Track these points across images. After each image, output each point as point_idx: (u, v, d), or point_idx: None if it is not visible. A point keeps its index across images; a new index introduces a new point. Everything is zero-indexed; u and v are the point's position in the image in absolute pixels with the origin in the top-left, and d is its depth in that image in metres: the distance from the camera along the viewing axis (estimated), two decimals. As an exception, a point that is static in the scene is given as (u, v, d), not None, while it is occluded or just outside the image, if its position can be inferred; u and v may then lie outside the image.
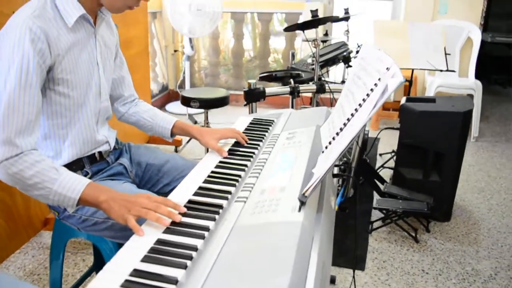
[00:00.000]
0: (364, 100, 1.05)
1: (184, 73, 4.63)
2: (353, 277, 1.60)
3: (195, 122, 3.95)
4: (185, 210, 0.98)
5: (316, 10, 2.08)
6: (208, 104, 2.79)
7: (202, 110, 3.62)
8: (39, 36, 1.07)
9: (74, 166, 1.27)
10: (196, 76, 5.06)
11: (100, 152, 1.35)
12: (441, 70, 2.76)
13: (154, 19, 4.53)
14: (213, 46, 4.95)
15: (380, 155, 3.46)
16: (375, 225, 2.39)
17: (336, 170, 1.29)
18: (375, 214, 2.48)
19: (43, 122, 1.21)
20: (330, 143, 1.12)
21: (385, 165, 3.11)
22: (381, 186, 2.50)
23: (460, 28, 4.02)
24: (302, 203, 0.90)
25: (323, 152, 1.14)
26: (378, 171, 2.86)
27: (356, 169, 2.31)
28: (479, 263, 2.10)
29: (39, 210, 2.15)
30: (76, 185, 1.06)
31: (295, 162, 1.16)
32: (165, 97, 4.86)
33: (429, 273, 2.02)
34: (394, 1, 4.31)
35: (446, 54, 2.82)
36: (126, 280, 0.76)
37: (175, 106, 4.58)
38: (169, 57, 4.85)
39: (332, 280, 1.93)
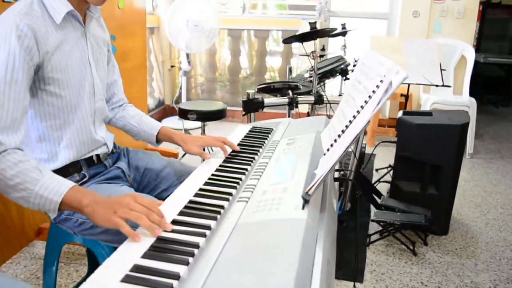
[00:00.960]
0: (366, 102, 1.05)
1: (180, 88, 4.65)
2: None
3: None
4: (170, 229, 0.89)
5: (315, 22, 2.11)
6: (206, 116, 2.80)
7: (199, 125, 3.62)
8: (26, 33, 1.06)
9: (71, 168, 1.26)
10: (192, 92, 5.08)
11: (97, 155, 1.33)
12: (437, 85, 2.79)
13: (152, 35, 4.56)
14: (210, 62, 4.99)
15: (377, 170, 3.46)
16: (373, 238, 2.37)
17: (336, 175, 1.29)
18: (373, 228, 2.46)
19: (37, 124, 1.19)
20: (332, 145, 1.12)
21: (381, 180, 3.11)
22: (378, 200, 2.49)
23: (454, 46, 4.09)
24: (306, 201, 0.89)
25: (324, 154, 1.13)
26: (374, 185, 2.85)
27: (354, 182, 2.31)
28: (478, 276, 2.09)
29: (33, 219, 2.11)
30: (59, 187, 1.01)
31: (296, 165, 1.15)
32: (162, 112, 4.85)
33: (428, 286, 1.99)
34: (389, 19, 4.38)
35: (441, 69, 2.86)
36: (127, 275, 0.74)
37: (172, 121, 4.58)
38: (166, 73, 4.86)
39: (331, 292, 1.90)
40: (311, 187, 0.91)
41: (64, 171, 1.23)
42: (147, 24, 3.86)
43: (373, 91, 1.03)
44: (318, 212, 0.94)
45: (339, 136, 1.10)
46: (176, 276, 0.73)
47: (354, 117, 1.07)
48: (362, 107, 1.06)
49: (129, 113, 1.52)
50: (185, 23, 4.03)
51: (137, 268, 0.76)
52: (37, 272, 1.96)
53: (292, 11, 4.66)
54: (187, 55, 4.40)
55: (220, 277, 0.71)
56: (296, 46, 4.70)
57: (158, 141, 1.51)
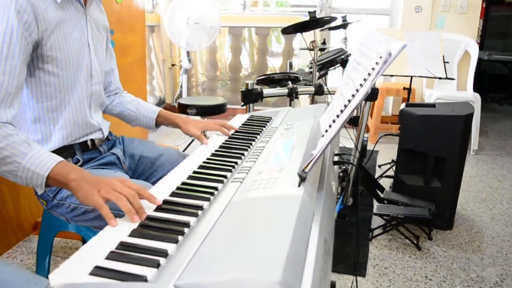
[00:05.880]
0: (365, 80, 1.01)
1: (181, 87, 4.62)
2: (355, 282, 1.53)
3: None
4: (160, 203, 0.88)
5: (314, 11, 2.07)
6: (205, 111, 2.76)
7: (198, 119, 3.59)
8: (26, 8, 1.04)
9: (65, 152, 1.22)
10: (193, 90, 5.05)
11: (92, 140, 1.30)
12: (440, 78, 2.75)
13: (152, 33, 4.54)
14: (210, 60, 4.96)
15: (379, 166, 3.41)
16: (376, 232, 2.32)
17: (336, 159, 1.24)
18: (375, 222, 2.41)
19: (33, 105, 1.17)
20: (330, 126, 1.08)
21: (384, 175, 3.06)
22: (381, 194, 2.44)
23: (458, 41, 4.04)
24: (302, 179, 0.85)
25: (323, 136, 1.09)
26: (377, 180, 2.80)
27: (353, 165, 2.27)
28: (484, 270, 2.03)
29: (30, 213, 2.08)
30: (46, 161, 0.98)
31: (294, 147, 1.11)
32: (162, 111, 4.82)
33: (432, 280, 1.94)
34: (391, 15, 4.34)
35: (444, 62, 2.81)
36: (112, 252, 0.70)
37: (172, 120, 4.54)
38: (166, 71, 4.84)
39: (333, 286, 1.85)
40: (307, 164, 0.87)
41: (58, 155, 1.19)
42: (147, 22, 3.85)
43: (372, 68, 0.99)
44: (316, 191, 0.89)
45: (337, 116, 1.06)
46: (164, 254, 0.69)
47: (353, 95, 1.04)
48: (361, 85, 1.02)
49: (126, 99, 1.50)
50: (185, 21, 4.01)
51: (123, 246, 0.72)
52: (33, 267, 1.92)
53: (293, 8, 4.63)
54: (188, 53, 4.37)
55: (208, 253, 0.67)
56: (297, 43, 4.67)
57: (157, 124, 1.47)
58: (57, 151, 1.20)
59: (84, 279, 0.64)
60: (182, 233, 0.76)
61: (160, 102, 4.83)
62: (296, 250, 0.64)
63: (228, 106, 3.15)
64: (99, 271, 0.65)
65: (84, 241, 1.60)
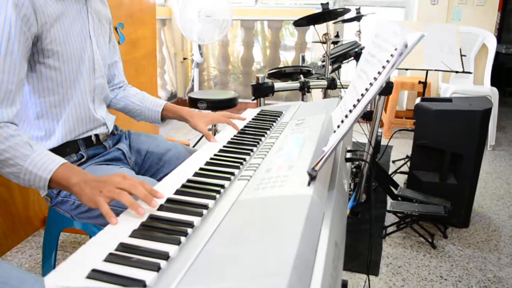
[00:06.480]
0: (379, 73, 0.96)
1: (193, 80, 4.59)
2: (368, 281, 1.48)
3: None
4: (163, 196, 0.85)
5: (327, 3, 2.01)
6: (215, 105, 2.72)
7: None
8: (23, 2, 1.01)
9: (69, 148, 1.20)
10: (205, 85, 5.02)
11: (97, 135, 1.27)
12: (456, 72, 2.66)
13: (164, 26, 4.51)
14: (222, 54, 4.91)
15: (393, 161, 3.34)
16: (389, 230, 2.27)
17: (349, 155, 1.20)
18: (389, 220, 2.36)
19: (35, 100, 1.14)
20: (342, 121, 1.03)
21: (398, 171, 2.99)
22: (395, 191, 2.39)
23: (475, 34, 3.93)
24: (312, 178, 0.81)
25: (334, 131, 1.05)
26: (391, 176, 2.74)
27: (366, 162, 2.21)
28: (502, 270, 1.97)
29: (39, 208, 2.07)
30: (48, 164, 0.95)
31: (304, 143, 1.07)
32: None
33: (448, 280, 1.89)
34: (407, 7, 4.24)
35: (461, 55, 2.72)
36: (111, 254, 0.67)
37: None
38: (178, 65, 4.81)
39: (344, 285, 1.81)
40: (318, 162, 0.82)
41: (61, 151, 1.17)
42: (159, 15, 3.82)
43: (387, 61, 0.94)
44: (326, 190, 0.85)
45: (350, 111, 1.01)
46: (165, 256, 0.66)
47: (367, 89, 0.99)
48: (375, 78, 0.97)
49: (130, 92, 1.47)
50: (197, 14, 3.97)
51: (123, 247, 0.69)
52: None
53: (306, 1, 4.55)
54: (199, 46, 4.34)
55: (211, 255, 0.63)
56: (310, 36, 4.60)
57: (163, 118, 1.44)
58: (61, 147, 1.17)
59: (80, 283, 0.61)
60: (185, 234, 0.72)
61: (172, 96, 4.81)
62: (304, 255, 0.60)
63: (240, 100, 3.11)
64: (96, 274, 0.62)
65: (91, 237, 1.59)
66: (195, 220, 0.76)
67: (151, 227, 0.76)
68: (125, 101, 1.45)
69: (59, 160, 0.97)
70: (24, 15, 1.01)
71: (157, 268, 0.63)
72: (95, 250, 0.69)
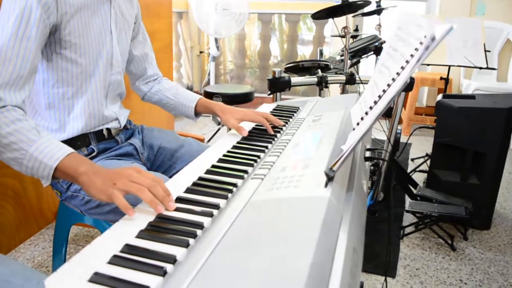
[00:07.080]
0: (402, 68, 0.91)
1: (209, 74, 4.56)
2: (385, 283, 1.43)
3: (219, 123, 3.86)
4: (173, 200, 0.80)
5: (347, -5, 1.95)
6: (231, 99, 2.68)
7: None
8: None
9: (80, 141, 1.17)
10: (221, 78, 4.98)
11: (108, 129, 1.24)
12: (480, 68, 2.58)
13: (180, 19, 4.48)
14: (239, 48, 4.87)
15: (412, 159, 3.26)
16: (407, 230, 2.21)
17: (368, 154, 1.15)
18: (407, 220, 2.30)
19: (47, 90, 1.12)
20: (362, 118, 0.98)
21: (417, 169, 2.92)
22: (414, 190, 2.32)
23: (499, 29, 3.81)
24: (330, 178, 0.76)
25: (354, 129, 1.00)
26: (410, 175, 2.67)
27: (386, 161, 2.15)
28: (525, 275, 1.89)
29: (52, 201, 2.06)
30: (56, 151, 0.90)
31: (321, 141, 1.02)
32: (190, 98, 4.78)
33: (468, 284, 1.82)
34: (428, 1, 4.13)
35: (486, 51, 2.63)
36: (115, 256, 0.63)
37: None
38: (194, 58, 4.78)
39: (360, 287, 1.76)
40: (336, 162, 0.78)
41: (71, 144, 1.13)
42: (175, 8, 3.78)
43: (411, 55, 0.89)
44: (345, 192, 0.80)
45: (370, 108, 0.96)
46: (172, 260, 0.62)
47: (389, 85, 0.93)
48: (398, 73, 0.92)
49: (165, 86, 1.43)
50: (213, 7, 3.93)
51: (128, 249, 0.65)
52: (54, 255, 1.91)
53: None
54: (216, 40, 4.30)
55: (221, 260, 0.59)
56: (328, 30, 4.52)
57: (197, 113, 1.40)
58: (71, 140, 1.15)
59: (82, 287, 0.57)
60: (195, 236, 0.68)
61: (188, 90, 4.79)
62: (320, 263, 0.55)
63: (256, 95, 3.06)
64: (99, 278, 0.59)
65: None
66: (205, 221, 0.73)
67: (158, 228, 0.72)
68: (159, 95, 1.42)
69: (67, 149, 0.93)
70: (46, 2, 0.99)
71: (163, 273, 0.59)
72: (99, 251, 0.65)
